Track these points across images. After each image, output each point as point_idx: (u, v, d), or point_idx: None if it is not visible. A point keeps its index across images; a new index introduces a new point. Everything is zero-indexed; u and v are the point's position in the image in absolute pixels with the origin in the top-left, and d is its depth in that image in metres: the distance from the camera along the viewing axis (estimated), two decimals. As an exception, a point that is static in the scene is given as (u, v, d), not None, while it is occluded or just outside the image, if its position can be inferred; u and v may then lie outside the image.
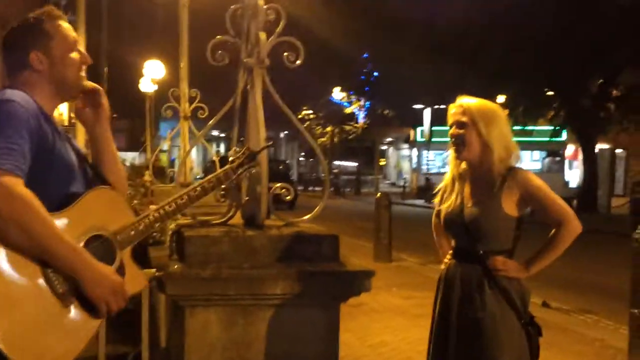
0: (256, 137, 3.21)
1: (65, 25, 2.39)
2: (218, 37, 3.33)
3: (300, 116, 41.26)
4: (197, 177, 21.73)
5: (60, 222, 2.12)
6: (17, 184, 2.03)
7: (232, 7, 3.31)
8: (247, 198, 3.20)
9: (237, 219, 3.23)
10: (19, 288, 1.99)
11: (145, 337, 3.81)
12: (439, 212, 3.63)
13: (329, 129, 43.32)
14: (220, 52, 3.29)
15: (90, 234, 2.19)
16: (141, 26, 32.85)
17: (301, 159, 58.75)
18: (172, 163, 15.62)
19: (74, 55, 2.38)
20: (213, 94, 7.41)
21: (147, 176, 7.87)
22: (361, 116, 43.62)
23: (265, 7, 3.29)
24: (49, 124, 2.27)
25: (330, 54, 37.42)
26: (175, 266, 2.89)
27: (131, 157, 21.93)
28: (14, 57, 2.34)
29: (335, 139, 44.08)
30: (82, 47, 2.50)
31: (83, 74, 2.42)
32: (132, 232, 2.32)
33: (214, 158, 7.51)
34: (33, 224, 2.01)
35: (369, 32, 32.83)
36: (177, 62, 8.45)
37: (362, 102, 42.87)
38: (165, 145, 14.09)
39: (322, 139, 43.27)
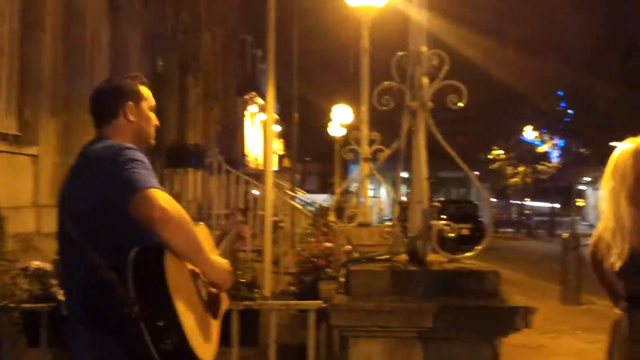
0: (418, 177, 3.35)
1: (148, 91, 2.78)
2: (385, 82, 3.53)
3: (490, 157, 40.58)
4: (385, 217, 22.01)
5: None
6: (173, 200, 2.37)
7: (397, 54, 3.50)
8: (410, 235, 3.35)
9: (403, 255, 3.37)
10: (190, 296, 2.37)
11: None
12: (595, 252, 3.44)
13: (520, 169, 42.17)
14: (386, 97, 3.48)
15: None
16: (330, 72, 34.05)
17: (492, 199, 57.61)
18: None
19: (152, 115, 2.76)
20: (396, 136, 7.59)
21: (331, 216, 8.18)
22: (555, 155, 42.15)
23: (429, 52, 3.44)
24: None
25: (521, 93, 36.70)
26: (340, 298, 3.09)
27: (321, 199, 22.65)
28: (109, 106, 2.67)
29: (528, 180, 42.80)
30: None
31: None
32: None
33: (398, 199, 7.65)
34: (192, 231, 2.36)
35: (563, 68, 31.88)
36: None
37: (555, 141, 41.44)
38: (352, 187, 14.44)
39: (514, 179, 42.20)
